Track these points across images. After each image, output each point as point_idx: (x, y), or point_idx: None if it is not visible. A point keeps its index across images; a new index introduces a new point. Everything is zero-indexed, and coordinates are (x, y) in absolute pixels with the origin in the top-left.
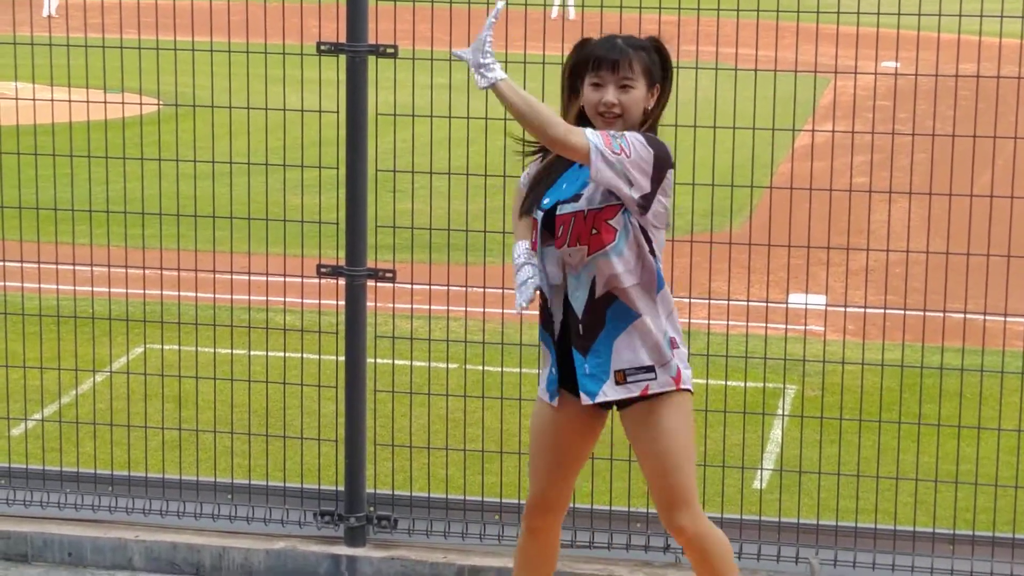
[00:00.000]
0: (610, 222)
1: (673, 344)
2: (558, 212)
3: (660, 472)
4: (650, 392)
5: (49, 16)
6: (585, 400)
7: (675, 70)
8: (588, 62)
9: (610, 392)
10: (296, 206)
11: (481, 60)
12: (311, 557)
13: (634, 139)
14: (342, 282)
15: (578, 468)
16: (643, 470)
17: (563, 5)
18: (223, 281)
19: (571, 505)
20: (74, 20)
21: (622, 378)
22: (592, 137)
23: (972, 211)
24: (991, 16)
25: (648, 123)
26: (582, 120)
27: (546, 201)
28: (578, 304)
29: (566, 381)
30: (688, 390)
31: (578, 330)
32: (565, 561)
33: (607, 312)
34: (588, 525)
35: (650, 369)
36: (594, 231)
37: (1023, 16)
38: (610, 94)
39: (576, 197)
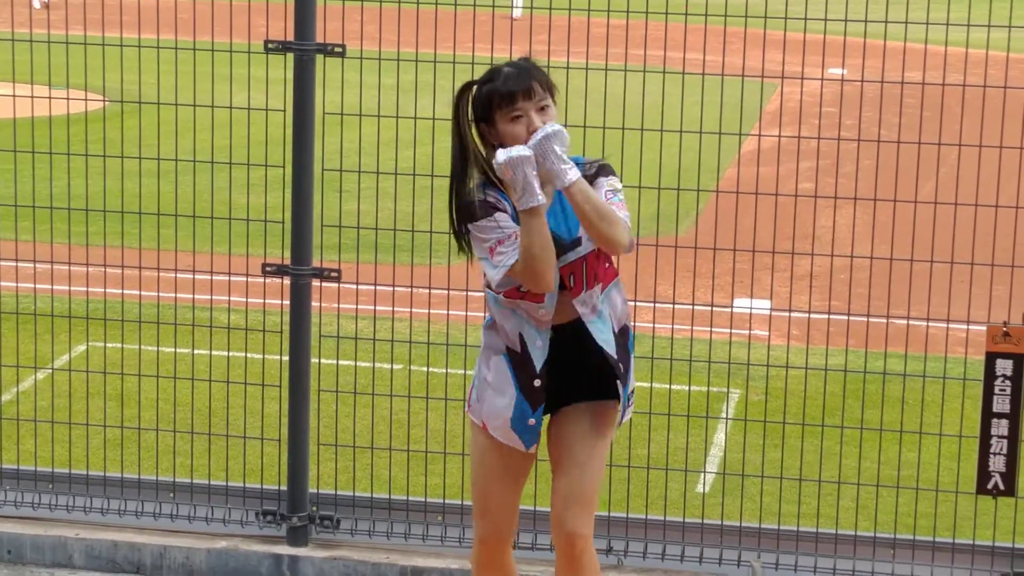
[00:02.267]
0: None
1: None
2: (559, 264)
3: (586, 474)
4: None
5: (46, 6)
6: (624, 418)
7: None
8: (499, 100)
9: (627, 414)
10: (242, 205)
11: (561, 161)
12: (253, 557)
13: (616, 181)
14: (287, 281)
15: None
16: (562, 466)
17: (526, 7)
18: (167, 279)
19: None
20: (19, 15)
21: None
22: (627, 220)
23: (916, 218)
24: (936, 24)
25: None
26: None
27: None
28: (609, 346)
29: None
30: None
31: (619, 369)
32: None
33: (627, 346)
34: (532, 527)
35: (633, 391)
36: (607, 264)
37: (967, 24)
38: (535, 120)
39: (576, 242)
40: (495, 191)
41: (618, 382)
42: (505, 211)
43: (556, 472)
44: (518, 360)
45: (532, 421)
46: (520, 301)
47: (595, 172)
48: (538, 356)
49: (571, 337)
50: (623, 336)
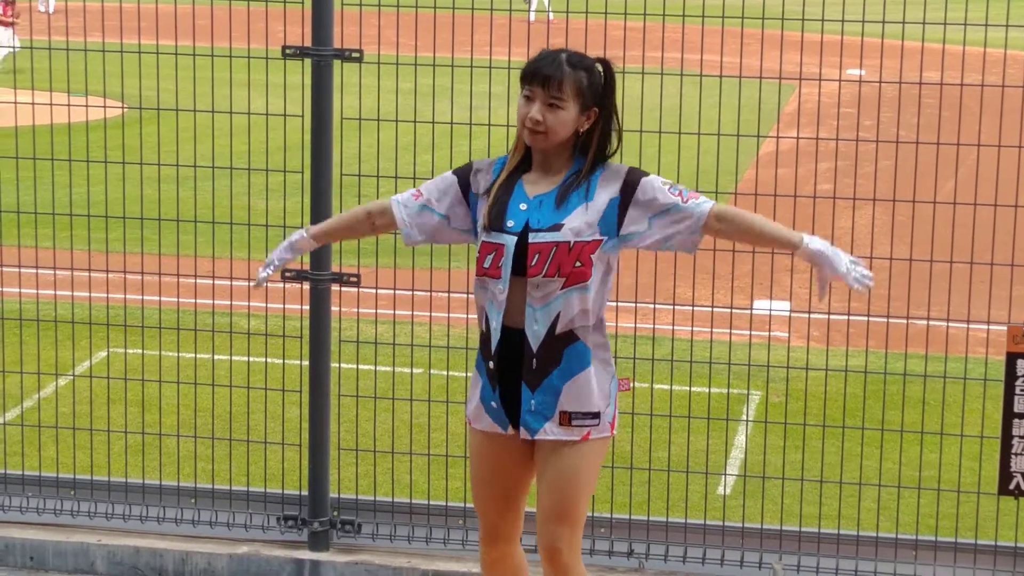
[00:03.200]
0: (593, 255)
1: (622, 385)
2: (531, 240)
3: (563, 489)
4: (590, 437)
5: (47, 13)
6: (524, 435)
7: (619, 97)
8: (524, 71)
9: (552, 432)
10: (261, 210)
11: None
12: (274, 562)
13: (656, 177)
14: (307, 286)
15: (524, 497)
16: (543, 478)
17: (540, 10)
18: (187, 285)
19: (533, 509)
20: (38, 23)
21: (567, 420)
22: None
23: (936, 218)
24: (955, 24)
25: (594, 147)
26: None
27: (511, 224)
28: (534, 338)
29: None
30: (613, 435)
31: (531, 364)
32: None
33: (565, 351)
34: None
35: (596, 416)
36: (578, 264)
37: (985, 24)
38: (536, 110)
39: (556, 227)
40: (488, 162)
41: (523, 383)
42: (456, 183)
43: (538, 482)
44: (483, 339)
45: (494, 404)
46: (485, 278)
47: (633, 178)
48: (495, 337)
49: (519, 342)
50: (562, 342)
